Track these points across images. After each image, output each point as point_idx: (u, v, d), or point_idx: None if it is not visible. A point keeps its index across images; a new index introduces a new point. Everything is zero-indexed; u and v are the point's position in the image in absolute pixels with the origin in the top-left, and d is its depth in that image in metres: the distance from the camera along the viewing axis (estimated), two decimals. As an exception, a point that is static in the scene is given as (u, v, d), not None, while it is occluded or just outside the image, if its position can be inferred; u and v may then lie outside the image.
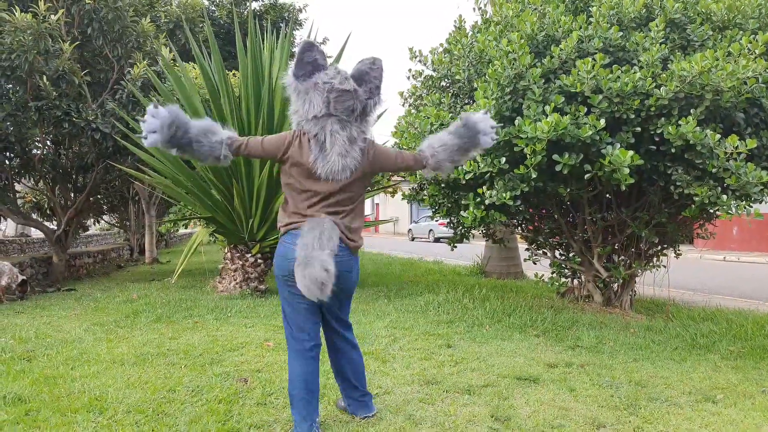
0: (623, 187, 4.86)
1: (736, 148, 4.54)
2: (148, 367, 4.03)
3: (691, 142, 4.64)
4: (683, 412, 3.31)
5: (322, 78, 2.71)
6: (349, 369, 3.04)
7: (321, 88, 2.70)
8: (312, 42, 2.77)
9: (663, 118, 4.90)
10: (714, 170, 4.70)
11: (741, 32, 5.19)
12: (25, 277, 7.47)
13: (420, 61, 6.99)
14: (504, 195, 5.21)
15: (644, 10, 5.43)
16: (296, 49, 2.82)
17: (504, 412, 3.24)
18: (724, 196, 4.80)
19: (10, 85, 7.98)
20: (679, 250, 6.98)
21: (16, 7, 7.43)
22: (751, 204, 5.13)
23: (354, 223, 2.85)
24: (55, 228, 9.78)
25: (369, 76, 2.83)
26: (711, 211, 5.71)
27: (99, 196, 11.95)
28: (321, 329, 2.97)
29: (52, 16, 7.59)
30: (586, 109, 4.87)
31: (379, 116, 8.75)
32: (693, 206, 5.12)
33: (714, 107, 4.84)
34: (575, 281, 7.06)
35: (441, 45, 6.92)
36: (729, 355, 4.61)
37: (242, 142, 2.75)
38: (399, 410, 3.25)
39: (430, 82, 7.09)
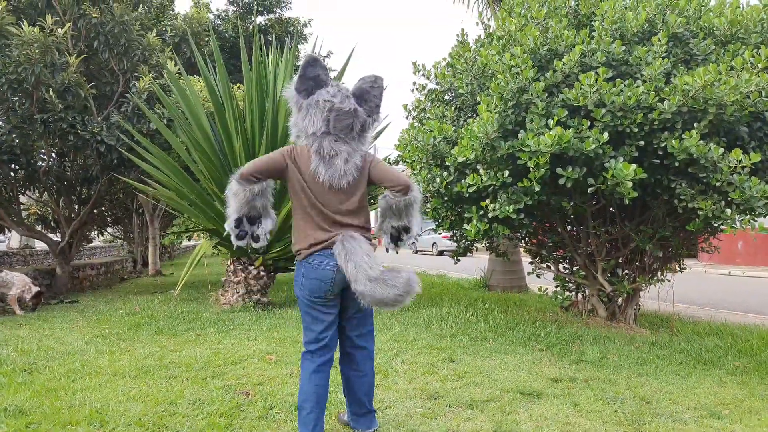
0: (627, 201, 4.85)
1: (740, 162, 4.54)
2: (150, 380, 4.01)
3: (694, 155, 4.63)
4: (688, 427, 3.28)
5: (323, 96, 2.74)
6: (361, 385, 3.02)
7: (321, 106, 2.73)
8: (315, 57, 2.79)
9: (666, 132, 4.90)
10: (718, 184, 4.69)
11: (744, 46, 5.20)
12: (40, 289, 7.52)
13: (423, 74, 7.02)
14: (507, 208, 5.20)
15: (647, 25, 5.44)
16: (300, 63, 2.86)
17: (507, 427, 3.22)
18: (729, 210, 4.79)
19: (17, 98, 8.03)
20: (683, 264, 6.95)
21: (24, 20, 7.50)
22: (755, 218, 5.11)
23: (367, 229, 2.93)
24: (59, 240, 9.80)
25: (370, 95, 2.87)
26: (715, 225, 5.69)
27: (103, 208, 11.99)
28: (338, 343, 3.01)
29: (59, 30, 7.65)
30: (589, 123, 4.88)
31: (379, 133, 8.80)
32: (697, 220, 5.11)
33: (717, 121, 4.84)
34: (579, 295, 7.03)
35: (444, 59, 6.95)
36: (734, 371, 4.58)
37: (240, 170, 2.82)
38: (401, 425, 3.23)
39: (434, 96, 7.11)
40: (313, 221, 2.78)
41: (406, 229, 2.96)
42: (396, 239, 3.00)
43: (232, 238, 2.82)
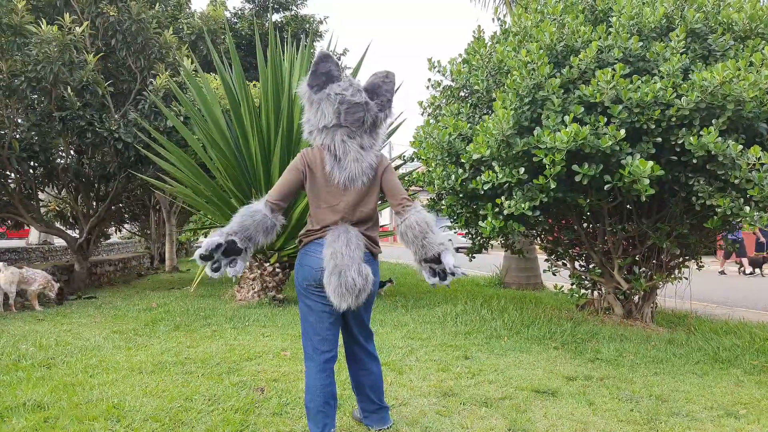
0: (644, 198, 4.81)
1: (759, 158, 4.48)
2: (166, 376, 4.05)
3: (712, 152, 4.58)
4: (704, 427, 3.25)
5: (334, 89, 2.74)
6: (367, 382, 3.03)
7: (332, 99, 2.73)
8: (327, 53, 2.80)
9: (684, 129, 4.85)
10: (736, 181, 4.64)
11: (763, 42, 5.13)
12: (61, 285, 7.76)
13: (439, 71, 7.00)
14: (523, 205, 5.18)
15: (664, 20, 5.38)
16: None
17: (522, 425, 3.21)
18: (747, 208, 4.73)
19: (36, 96, 8.12)
20: (701, 262, 6.88)
21: (43, 19, 7.58)
22: (775, 216, 5.04)
23: (374, 233, 2.90)
24: (77, 236, 9.91)
25: (381, 90, 2.87)
26: (734, 222, 5.62)
27: (121, 205, 12.09)
28: (340, 340, 2.97)
29: (77, 28, 7.72)
30: (605, 120, 4.84)
31: (394, 130, 8.79)
32: (715, 217, 5.05)
33: (736, 117, 4.78)
34: (595, 293, 6.98)
35: (460, 55, 6.93)
36: (752, 370, 4.52)
37: (268, 195, 2.76)
38: (415, 422, 3.23)
39: (449, 92, 7.09)
40: (323, 216, 2.79)
41: (437, 260, 2.72)
42: (438, 273, 2.77)
43: (202, 263, 2.60)
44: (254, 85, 8.91)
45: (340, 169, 2.73)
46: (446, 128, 5.88)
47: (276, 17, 15.74)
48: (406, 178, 8.04)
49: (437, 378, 4.09)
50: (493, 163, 5.41)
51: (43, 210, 11.41)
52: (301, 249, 2.85)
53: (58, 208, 12.83)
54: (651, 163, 4.58)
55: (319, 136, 2.79)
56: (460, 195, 6.11)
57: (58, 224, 12.18)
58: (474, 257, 7.60)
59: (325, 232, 2.74)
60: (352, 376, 3.08)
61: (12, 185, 8.84)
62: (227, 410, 3.36)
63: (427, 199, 7.29)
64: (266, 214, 2.69)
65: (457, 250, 27.06)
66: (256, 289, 7.70)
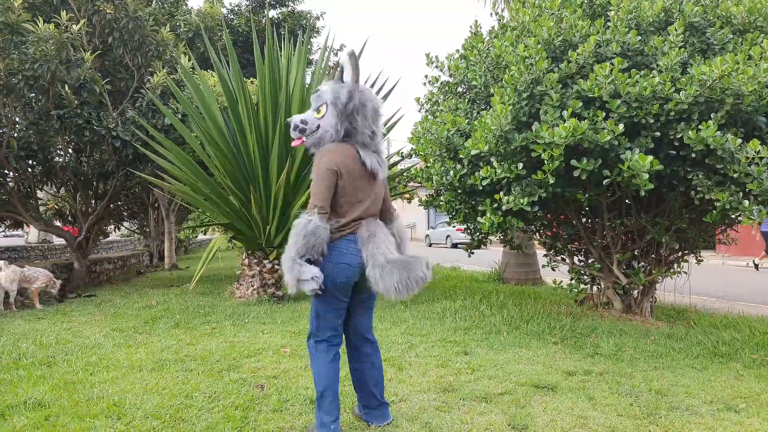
0: (643, 193, 4.81)
1: (758, 152, 4.48)
2: (166, 373, 4.05)
3: (711, 146, 4.58)
4: (704, 421, 3.25)
5: (368, 97, 2.86)
6: (372, 376, 3.05)
7: (368, 108, 2.86)
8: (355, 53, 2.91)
9: (683, 123, 4.85)
10: (735, 175, 4.63)
11: (762, 35, 5.12)
12: (61, 281, 7.88)
13: (437, 66, 6.99)
14: (521, 201, 5.18)
15: (663, 14, 5.37)
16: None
17: (521, 420, 3.21)
18: (746, 202, 4.73)
19: (33, 94, 8.10)
20: (700, 256, 6.88)
21: (40, 17, 7.55)
22: (774, 209, 5.04)
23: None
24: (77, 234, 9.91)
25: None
26: (733, 216, 5.63)
27: (119, 203, 12.08)
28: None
29: (74, 26, 7.70)
30: (604, 114, 4.83)
31: (393, 124, 8.78)
32: (714, 211, 5.05)
33: (735, 111, 4.77)
34: (594, 288, 6.98)
35: (457, 51, 6.91)
36: (752, 364, 4.53)
37: (320, 206, 2.76)
38: (415, 418, 3.23)
39: (447, 88, 7.08)
40: (347, 211, 2.84)
41: None
42: None
43: (310, 287, 2.67)
44: (252, 81, 8.90)
45: (370, 161, 2.83)
46: (444, 124, 5.87)
47: (273, 13, 15.71)
48: (404, 174, 8.03)
49: (437, 374, 4.10)
50: (492, 159, 5.40)
51: (42, 209, 11.40)
52: (329, 245, 2.78)
53: (57, 207, 12.83)
54: (650, 157, 4.58)
55: (352, 138, 2.84)
56: (459, 191, 6.11)
57: (57, 223, 12.19)
58: (473, 253, 7.60)
59: (355, 228, 2.82)
60: (355, 372, 3.09)
61: (11, 184, 8.83)
62: (227, 407, 3.36)
63: (426, 195, 7.28)
64: (325, 227, 2.73)
65: (456, 245, 27.09)
66: (255, 286, 7.70)
